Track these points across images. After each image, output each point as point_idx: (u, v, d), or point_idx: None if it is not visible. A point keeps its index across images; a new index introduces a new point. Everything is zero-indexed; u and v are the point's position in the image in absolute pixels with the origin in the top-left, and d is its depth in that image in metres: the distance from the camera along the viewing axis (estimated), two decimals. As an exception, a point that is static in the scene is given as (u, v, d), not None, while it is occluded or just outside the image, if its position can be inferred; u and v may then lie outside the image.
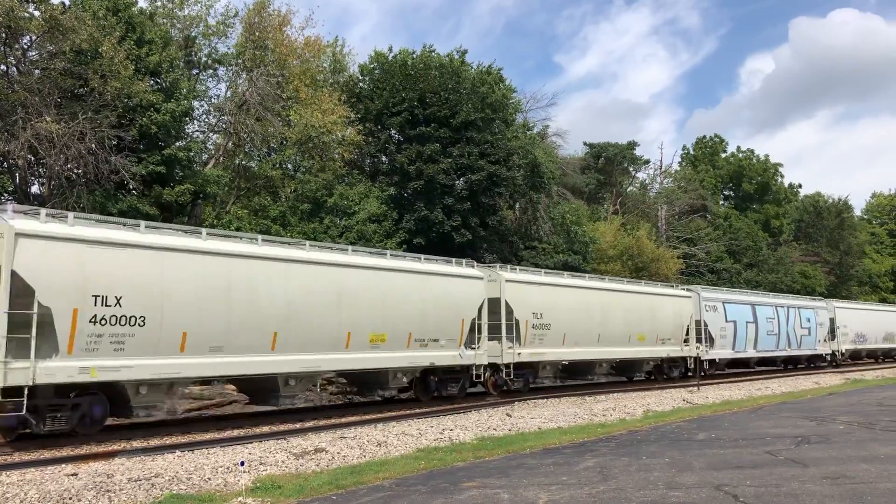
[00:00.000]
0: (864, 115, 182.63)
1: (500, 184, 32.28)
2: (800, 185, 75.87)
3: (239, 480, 9.40)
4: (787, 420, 15.78)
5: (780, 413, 17.42)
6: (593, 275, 29.95)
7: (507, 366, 21.03)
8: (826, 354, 40.03)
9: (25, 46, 21.44)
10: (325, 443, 12.51)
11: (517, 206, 38.59)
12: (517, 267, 24.21)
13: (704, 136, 74.59)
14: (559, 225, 38.25)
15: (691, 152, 73.75)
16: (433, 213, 30.01)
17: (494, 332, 20.96)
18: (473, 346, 20.13)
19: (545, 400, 21.23)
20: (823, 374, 34.54)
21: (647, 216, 53.82)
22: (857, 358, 44.78)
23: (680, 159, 73.04)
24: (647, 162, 60.22)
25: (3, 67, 21.22)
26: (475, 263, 21.97)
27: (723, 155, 72.41)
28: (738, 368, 35.71)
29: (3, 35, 20.47)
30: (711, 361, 30.73)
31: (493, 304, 21.04)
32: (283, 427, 15.05)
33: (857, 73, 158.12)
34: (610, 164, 56.92)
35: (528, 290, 22.24)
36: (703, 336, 29.99)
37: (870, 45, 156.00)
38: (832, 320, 40.41)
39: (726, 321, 31.75)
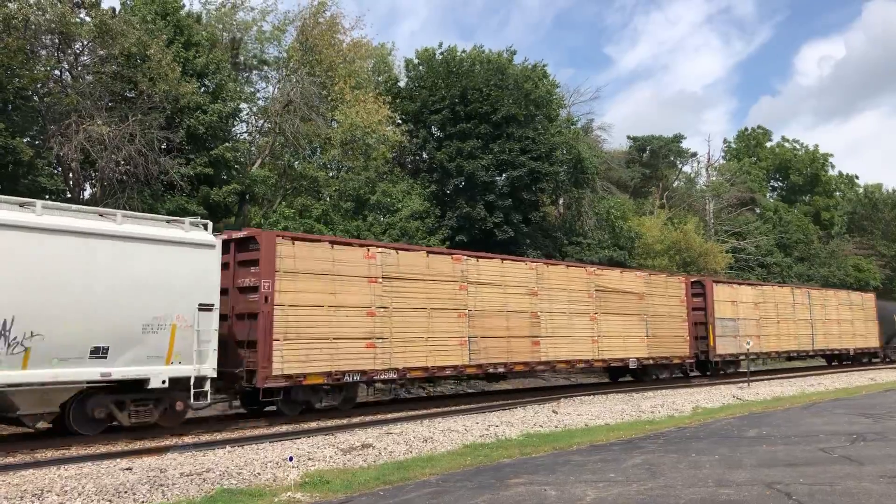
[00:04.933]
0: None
1: (542, 179, 32.07)
2: (856, 176, 73.94)
3: (288, 475, 9.53)
4: (840, 417, 15.41)
5: (834, 410, 17.01)
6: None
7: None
8: None
9: (77, 52, 21.98)
10: (371, 438, 12.61)
11: (560, 201, 38.30)
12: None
13: (746, 129, 73.13)
14: (604, 220, 37.86)
15: (732, 145, 72.28)
16: (475, 209, 29.97)
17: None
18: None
19: (592, 396, 21.07)
20: (878, 370, 33.23)
21: (693, 210, 52.99)
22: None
23: (722, 153, 71.77)
24: (695, 154, 59.17)
25: (57, 73, 21.79)
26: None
27: (767, 145, 70.83)
28: None
29: (57, 41, 21.03)
30: None
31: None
32: (330, 423, 15.18)
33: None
34: (655, 157, 56.14)
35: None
36: None
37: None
38: None
39: None
